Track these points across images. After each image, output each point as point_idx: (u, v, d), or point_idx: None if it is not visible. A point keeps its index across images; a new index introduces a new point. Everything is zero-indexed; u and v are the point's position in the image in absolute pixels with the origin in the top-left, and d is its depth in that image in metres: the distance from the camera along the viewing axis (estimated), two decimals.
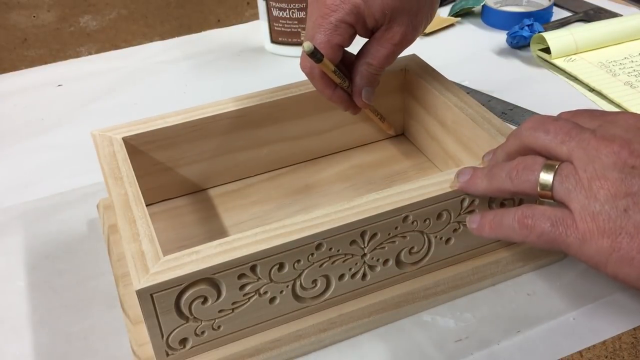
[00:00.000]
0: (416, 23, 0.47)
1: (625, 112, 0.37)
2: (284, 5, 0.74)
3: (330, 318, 0.43)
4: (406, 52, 0.58)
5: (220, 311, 0.39)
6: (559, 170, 0.35)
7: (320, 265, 0.40)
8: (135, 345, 0.41)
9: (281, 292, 0.40)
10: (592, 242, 0.34)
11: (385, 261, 0.43)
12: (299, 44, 0.78)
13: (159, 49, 0.83)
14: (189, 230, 0.51)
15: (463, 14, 0.86)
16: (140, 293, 0.35)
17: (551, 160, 0.36)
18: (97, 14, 0.80)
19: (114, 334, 0.44)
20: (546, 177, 0.36)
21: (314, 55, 0.45)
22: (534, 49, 0.75)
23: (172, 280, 0.36)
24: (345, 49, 0.48)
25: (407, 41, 0.47)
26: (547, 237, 0.36)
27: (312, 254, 0.39)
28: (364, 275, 0.43)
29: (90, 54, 0.82)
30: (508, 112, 0.65)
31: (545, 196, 0.36)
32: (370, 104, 0.51)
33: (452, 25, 0.85)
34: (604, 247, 0.33)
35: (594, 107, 0.66)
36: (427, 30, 0.82)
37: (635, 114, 0.36)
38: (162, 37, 0.85)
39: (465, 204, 0.42)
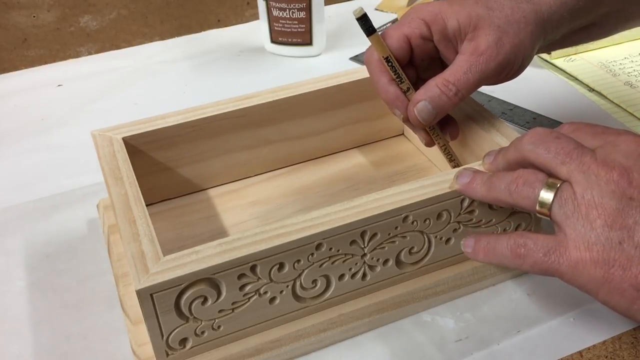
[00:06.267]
0: (505, 43, 0.42)
1: (627, 133, 0.37)
2: (284, 5, 0.74)
3: (330, 318, 0.43)
4: None
5: (220, 311, 0.39)
6: (559, 192, 0.35)
7: (320, 265, 0.40)
8: (135, 345, 0.41)
9: (281, 292, 0.40)
10: (585, 271, 0.34)
11: (385, 261, 0.43)
12: (299, 44, 0.78)
13: (159, 49, 0.83)
14: (189, 230, 0.51)
15: None
16: (140, 293, 0.35)
17: (552, 179, 0.36)
18: (97, 14, 0.80)
19: (114, 334, 0.44)
20: (546, 196, 0.36)
21: (364, 22, 0.41)
22: None
23: (172, 280, 0.36)
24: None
25: (491, 57, 0.42)
26: (540, 267, 0.36)
27: (312, 254, 0.39)
28: (364, 275, 0.43)
29: (90, 54, 0.82)
30: (508, 112, 0.65)
31: (542, 214, 0.36)
32: (431, 129, 0.47)
33: None
34: (596, 276, 0.34)
35: (594, 107, 0.66)
36: None
37: (637, 137, 0.36)
38: (162, 37, 0.85)
39: (465, 204, 0.42)
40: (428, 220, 0.42)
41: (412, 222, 0.41)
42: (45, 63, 0.80)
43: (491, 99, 0.68)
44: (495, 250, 0.39)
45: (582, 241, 0.34)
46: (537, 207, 0.36)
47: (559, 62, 0.73)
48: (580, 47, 0.74)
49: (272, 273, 0.39)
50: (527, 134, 0.38)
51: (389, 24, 0.85)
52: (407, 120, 0.46)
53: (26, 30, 0.77)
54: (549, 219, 0.36)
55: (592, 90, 0.69)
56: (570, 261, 0.35)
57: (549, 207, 0.36)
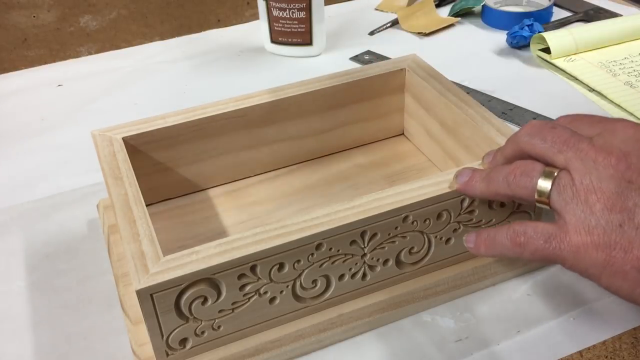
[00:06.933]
0: None
1: (624, 120, 0.37)
2: (284, 5, 0.74)
3: (330, 318, 0.43)
4: (406, 52, 0.59)
5: (220, 311, 0.39)
6: (557, 179, 0.35)
7: (320, 265, 0.40)
8: (135, 345, 0.41)
9: (281, 292, 0.40)
10: (586, 255, 0.34)
11: (385, 261, 0.43)
12: (299, 44, 0.78)
13: (159, 49, 0.83)
14: (189, 230, 0.51)
15: (463, 14, 0.86)
16: (140, 293, 0.35)
17: (549, 168, 0.36)
18: (97, 14, 0.80)
19: (114, 334, 0.44)
20: (544, 185, 0.36)
21: None
22: (534, 49, 0.75)
23: (172, 280, 0.36)
24: None
25: None
26: (541, 254, 0.36)
27: (312, 254, 0.39)
28: (364, 275, 0.43)
29: (90, 54, 0.82)
30: (508, 112, 0.65)
31: (542, 202, 0.36)
32: None
33: (452, 25, 0.85)
34: (598, 260, 0.34)
35: (594, 107, 0.66)
36: (427, 30, 0.82)
37: (635, 123, 0.36)
38: (162, 37, 0.85)
39: (465, 204, 0.42)
40: (428, 220, 0.42)
41: (412, 222, 0.41)
42: (45, 63, 0.80)
43: (491, 99, 0.68)
44: (495, 241, 0.38)
45: (583, 226, 0.34)
46: (536, 196, 0.36)
47: (559, 62, 0.73)
48: (580, 47, 0.74)
49: (272, 273, 0.39)
50: (523, 127, 0.38)
51: (388, 24, 0.85)
52: None
53: (26, 30, 0.77)
54: (548, 207, 0.36)
55: (592, 90, 0.69)
56: (571, 246, 0.34)
57: (548, 195, 0.36)
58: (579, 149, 0.35)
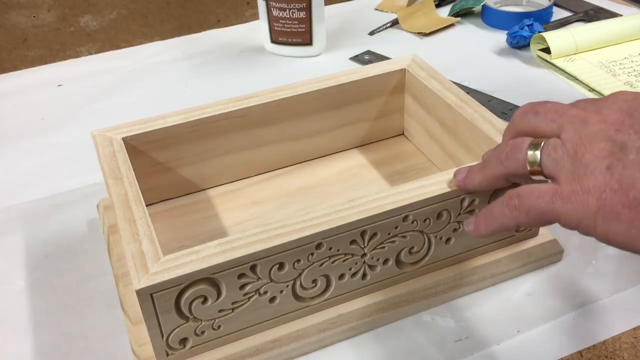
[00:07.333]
0: None
1: (619, 92, 0.37)
2: (284, 5, 0.74)
3: (330, 318, 0.43)
4: (406, 52, 0.59)
5: (220, 311, 0.39)
6: (546, 144, 0.36)
7: (320, 265, 0.40)
8: (135, 345, 0.41)
9: (281, 291, 0.40)
10: (578, 202, 0.34)
11: (385, 261, 0.43)
12: (299, 44, 0.78)
13: (159, 49, 0.83)
14: (189, 230, 0.51)
15: (463, 14, 0.87)
16: (140, 293, 0.35)
17: (538, 139, 0.36)
18: (97, 14, 0.80)
19: (114, 334, 0.44)
20: (534, 153, 0.36)
21: None
22: (534, 49, 0.75)
23: (172, 280, 0.36)
24: None
25: None
26: (535, 211, 0.35)
27: (312, 254, 0.39)
28: (364, 275, 0.43)
29: (90, 54, 0.82)
30: (508, 112, 0.65)
31: (535, 172, 0.36)
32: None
33: (452, 25, 0.85)
34: (589, 206, 0.33)
35: None
36: (427, 30, 0.82)
37: (628, 91, 0.36)
38: (162, 37, 0.85)
39: (465, 203, 0.42)
40: (428, 220, 0.42)
41: (412, 222, 0.41)
42: (45, 63, 0.80)
43: (491, 99, 0.68)
44: (493, 213, 0.38)
45: (573, 177, 0.34)
46: (528, 167, 0.36)
47: (559, 62, 0.73)
48: (580, 47, 0.74)
49: (272, 273, 0.39)
50: (516, 110, 0.39)
51: (388, 24, 0.85)
52: None
53: (26, 30, 0.78)
54: (543, 177, 0.36)
55: (592, 90, 0.69)
56: (563, 198, 0.34)
57: (539, 163, 0.36)
58: (570, 115, 0.35)
